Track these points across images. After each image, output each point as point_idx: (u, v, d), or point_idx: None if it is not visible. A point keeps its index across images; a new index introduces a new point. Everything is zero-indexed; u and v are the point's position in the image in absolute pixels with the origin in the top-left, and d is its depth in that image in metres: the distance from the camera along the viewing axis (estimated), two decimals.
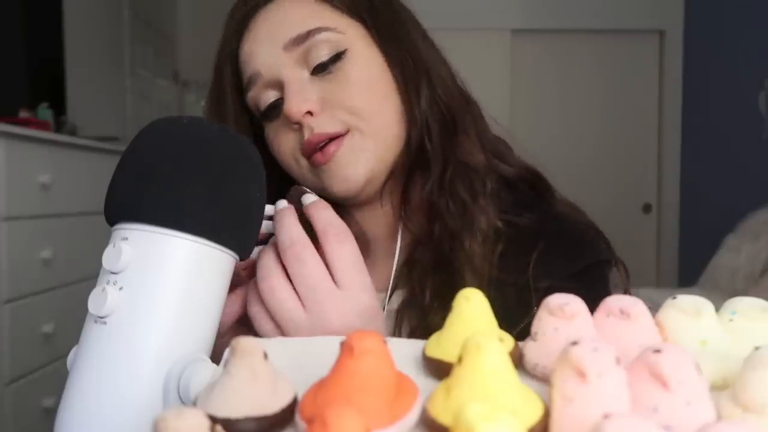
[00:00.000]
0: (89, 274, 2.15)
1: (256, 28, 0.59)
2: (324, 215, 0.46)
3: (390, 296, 0.60)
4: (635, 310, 0.30)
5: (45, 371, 1.97)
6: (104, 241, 0.38)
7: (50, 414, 1.93)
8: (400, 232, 0.62)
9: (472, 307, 0.31)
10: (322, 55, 0.57)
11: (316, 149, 0.57)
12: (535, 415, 0.24)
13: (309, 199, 0.48)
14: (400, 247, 0.62)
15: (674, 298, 0.32)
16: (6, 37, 2.42)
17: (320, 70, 0.57)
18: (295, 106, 0.56)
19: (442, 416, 0.24)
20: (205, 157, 0.38)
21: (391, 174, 0.61)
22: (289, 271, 0.44)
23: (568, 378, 0.23)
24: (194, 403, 0.27)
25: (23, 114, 2.26)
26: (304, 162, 0.59)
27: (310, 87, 0.57)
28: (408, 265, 0.60)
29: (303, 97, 0.56)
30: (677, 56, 3.32)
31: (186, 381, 0.34)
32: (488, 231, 0.57)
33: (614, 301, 0.31)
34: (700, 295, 0.32)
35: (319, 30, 0.57)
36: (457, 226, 0.57)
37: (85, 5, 2.92)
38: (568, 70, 3.38)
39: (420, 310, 0.55)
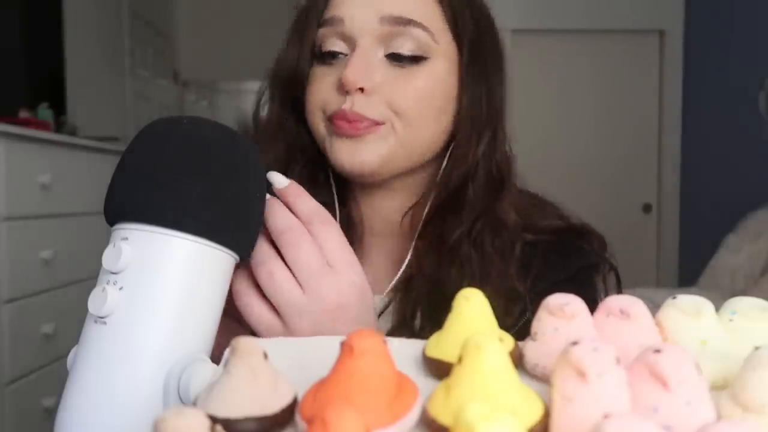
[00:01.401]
0: (89, 274, 2.15)
1: None
2: (305, 203, 0.46)
3: (380, 314, 0.60)
4: (635, 310, 0.30)
5: (45, 371, 1.97)
6: (104, 241, 0.38)
7: (50, 414, 1.93)
8: (408, 258, 0.61)
9: (472, 307, 0.31)
10: (406, 48, 0.56)
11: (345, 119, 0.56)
12: (535, 415, 0.24)
13: (281, 183, 0.47)
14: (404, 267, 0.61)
15: (674, 298, 0.32)
16: (6, 38, 2.42)
17: (394, 59, 0.56)
18: (352, 76, 0.54)
19: (442, 416, 0.24)
20: (205, 157, 0.38)
21: (421, 203, 0.61)
22: (286, 255, 0.44)
23: (568, 378, 0.23)
24: (194, 403, 0.27)
25: (23, 114, 2.26)
26: (326, 121, 0.58)
27: (376, 66, 0.56)
28: (405, 287, 0.59)
29: (365, 72, 0.55)
30: (677, 56, 3.32)
31: (186, 381, 0.34)
32: (504, 289, 0.56)
33: (614, 301, 0.31)
34: (700, 295, 0.32)
35: (419, 24, 0.56)
36: (474, 277, 0.56)
37: (85, 5, 2.92)
38: (568, 70, 3.38)
39: (410, 333, 0.55)
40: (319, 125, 0.59)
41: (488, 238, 0.59)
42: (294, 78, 0.60)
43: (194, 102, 4.13)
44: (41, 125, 2.24)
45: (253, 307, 0.45)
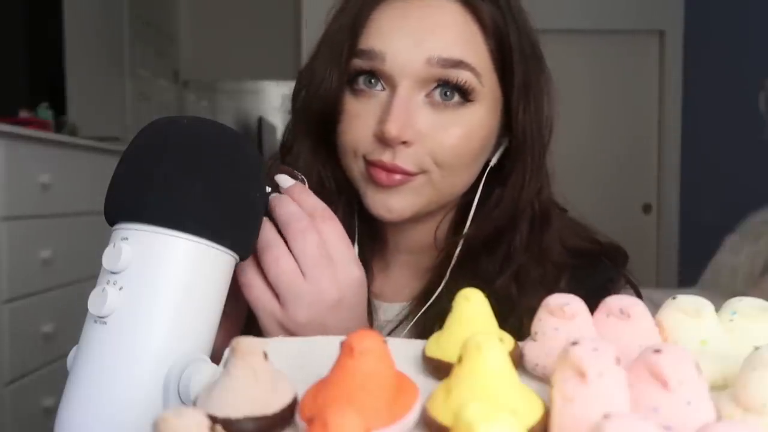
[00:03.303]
0: (89, 274, 2.14)
1: (407, 15, 0.53)
2: (310, 199, 0.47)
3: (400, 322, 0.60)
4: (635, 311, 0.30)
5: (45, 371, 1.97)
6: (104, 241, 0.38)
7: (50, 414, 1.92)
8: (440, 289, 0.59)
9: (472, 307, 0.31)
10: (451, 92, 0.53)
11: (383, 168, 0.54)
12: (535, 415, 0.24)
13: (286, 182, 0.48)
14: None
15: (674, 298, 0.32)
16: (6, 37, 2.42)
17: (437, 103, 0.54)
18: (395, 131, 0.51)
19: (442, 416, 0.24)
20: (205, 157, 0.38)
21: (452, 219, 0.61)
22: (292, 244, 0.45)
23: (568, 378, 0.23)
24: (194, 403, 0.27)
25: (23, 114, 2.25)
26: (361, 162, 0.56)
27: (417, 113, 0.53)
28: (431, 305, 0.59)
29: (407, 123, 0.52)
30: (677, 56, 3.31)
31: (186, 381, 0.34)
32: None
33: (614, 301, 0.31)
34: (700, 295, 0.32)
35: (468, 66, 0.53)
36: (513, 310, 0.55)
37: (85, 5, 2.92)
38: (568, 70, 3.36)
39: None
40: (353, 169, 0.57)
41: (532, 270, 0.58)
42: (328, 114, 0.57)
43: (194, 102, 4.12)
44: (41, 125, 2.24)
45: (255, 288, 0.46)
